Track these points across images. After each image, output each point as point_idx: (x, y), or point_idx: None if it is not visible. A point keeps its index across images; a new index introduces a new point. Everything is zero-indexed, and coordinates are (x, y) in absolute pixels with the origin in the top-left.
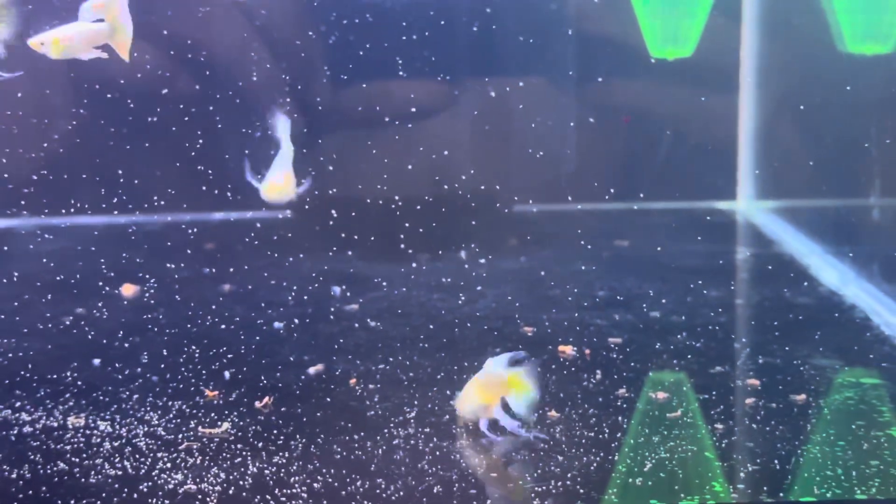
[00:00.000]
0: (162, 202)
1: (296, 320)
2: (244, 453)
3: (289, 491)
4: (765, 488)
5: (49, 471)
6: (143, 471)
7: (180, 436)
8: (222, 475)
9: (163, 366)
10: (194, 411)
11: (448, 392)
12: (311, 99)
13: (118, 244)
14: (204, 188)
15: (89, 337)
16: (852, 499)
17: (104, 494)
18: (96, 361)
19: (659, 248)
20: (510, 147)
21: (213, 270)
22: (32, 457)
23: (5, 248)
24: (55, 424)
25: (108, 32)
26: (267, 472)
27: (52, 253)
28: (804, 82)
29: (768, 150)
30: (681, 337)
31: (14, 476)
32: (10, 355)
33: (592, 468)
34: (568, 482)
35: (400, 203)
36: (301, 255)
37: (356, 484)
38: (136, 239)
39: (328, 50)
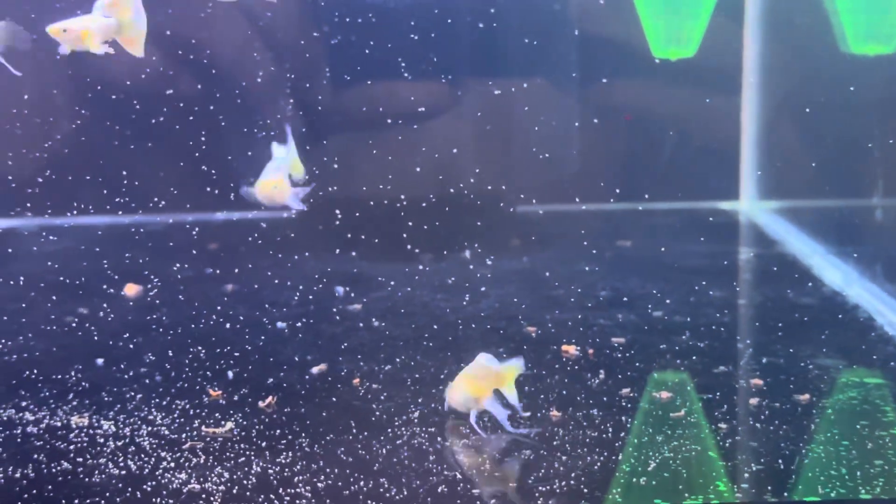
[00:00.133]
0: (165, 202)
1: (300, 320)
2: (248, 453)
3: (292, 490)
4: (769, 488)
5: (53, 470)
6: (146, 470)
7: (184, 435)
8: (226, 475)
9: (166, 366)
10: (198, 411)
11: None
12: (315, 99)
13: (121, 244)
14: (207, 188)
15: (93, 337)
16: (856, 498)
17: (108, 494)
18: (100, 361)
19: (662, 249)
20: (514, 147)
21: (217, 270)
22: (37, 456)
23: (9, 248)
24: (59, 424)
25: (116, 28)
26: (270, 471)
27: (56, 253)
28: (807, 83)
29: (771, 151)
30: (684, 337)
31: (18, 475)
32: (14, 355)
33: (596, 468)
34: (572, 481)
35: (404, 203)
36: (305, 255)
37: (360, 484)
38: (140, 239)
39: (332, 50)
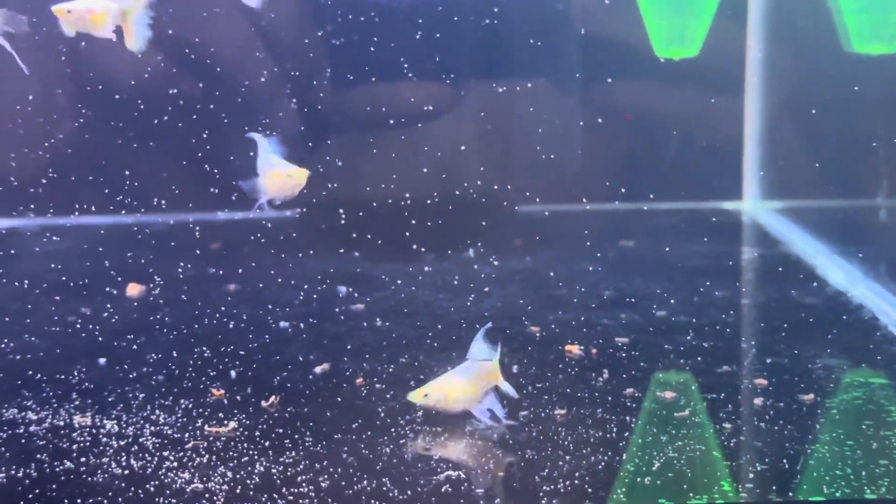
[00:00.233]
0: (167, 202)
1: (303, 320)
2: (251, 452)
3: (296, 490)
4: (773, 487)
5: (56, 470)
6: (149, 470)
7: (187, 435)
8: (229, 474)
9: (169, 365)
10: (201, 410)
11: None
12: (318, 99)
13: (124, 244)
14: (210, 188)
15: (95, 337)
16: (862, 498)
17: (111, 493)
18: (102, 361)
19: (666, 249)
20: (517, 147)
21: (219, 270)
22: (39, 456)
23: (11, 248)
24: (62, 423)
25: (117, 14)
26: (274, 470)
27: (58, 253)
28: (810, 82)
29: (775, 150)
30: (688, 337)
31: (21, 475)
32: (17, 355)
33: (600, 467)
34: (576, 481)
35: (407, 203)
36: (308, 254)
37: (363, 483)
38: (142, 239)
39: (334, 50)
